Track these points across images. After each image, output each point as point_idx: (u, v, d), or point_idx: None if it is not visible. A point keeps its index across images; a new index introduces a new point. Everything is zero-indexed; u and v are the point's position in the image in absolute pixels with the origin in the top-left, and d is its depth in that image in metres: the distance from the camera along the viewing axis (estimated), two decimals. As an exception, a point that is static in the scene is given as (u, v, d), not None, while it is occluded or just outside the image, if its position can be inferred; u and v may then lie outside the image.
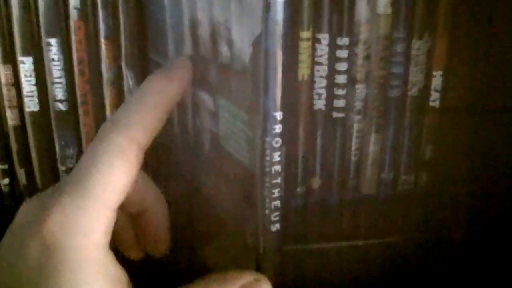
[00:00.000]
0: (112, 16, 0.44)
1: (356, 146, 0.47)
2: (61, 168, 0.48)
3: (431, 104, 0.47)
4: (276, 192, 0.38)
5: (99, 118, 0.47)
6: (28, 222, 0.34)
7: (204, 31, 0.39)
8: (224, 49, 0.37)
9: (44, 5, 0.44)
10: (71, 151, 0.48)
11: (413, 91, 0.46)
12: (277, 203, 0.39)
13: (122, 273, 0.36)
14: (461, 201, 0.50)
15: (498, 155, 0.49)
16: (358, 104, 0.46)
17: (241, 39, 0.35)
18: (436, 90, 0.47)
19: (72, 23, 0.44)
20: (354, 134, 0.47)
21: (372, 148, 0.48)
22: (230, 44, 0.36)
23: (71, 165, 0.48)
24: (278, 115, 0.36)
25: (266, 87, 0.35)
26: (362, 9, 0.43)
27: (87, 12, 0.44)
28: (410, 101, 0.47)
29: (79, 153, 0.48)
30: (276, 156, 0.38)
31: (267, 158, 0.37)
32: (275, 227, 0.40)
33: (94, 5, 0.44)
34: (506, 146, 0.48)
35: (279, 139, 0.37)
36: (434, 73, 0.46)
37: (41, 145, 0.48)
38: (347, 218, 0.48)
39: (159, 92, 0.37)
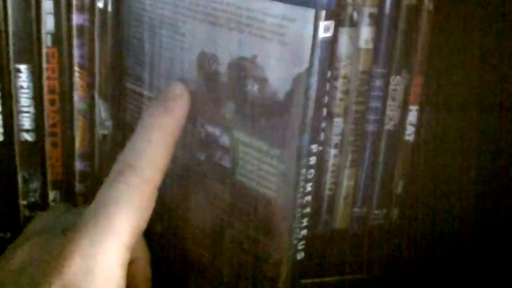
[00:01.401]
0: (88, 43, 0.43)
1: (331, 180, 0.47)
2: (22, 202, 0.46)
3: (406, 138, 0.48)
4: (305, 221, 0.38)
5: (68, 150, 0.45)
6: (45, 261, 0.33)
7: (219, 66, 0.39)
8: (250, 85, 0.36)
9: (15, 29, 0.42)
10: (34, 184, 0.46)
11: (389, 126, 0.47)
12: (305, 232, 0.39)
13: None
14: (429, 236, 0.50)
15: (472, 190, 0.50)
16: (335, 138, 0.46)
17: (277, 76, 0.35)
18: (411, 124, 0.48)
19: (44, 49, 0.43)
20: (330, 168, 0.47)
21: (346, 183, 0.48)
22: (260, 80, 0.36)
23: (33, 200, 0.46)
24: (314, 147, 0.36)
25: (304, 122, 0.35)
26: (344, 43, 0.44)
27: (62, 38, 0.43)
28: (386, 136, 0.47)
29: (43, 186, 0.46)
30: (309, 187, 0.38)
31: (301, 190, 0.37)
32: (300, 255, 0.40)
33: (70, 31, 0.43)
34: (480, 181, 0.50)
35: (312, 171, 0.37)
36: (411, 107, 0.47)
37: (1, 177, 0.46)
38: (317, 253, 0.48)
39: (162, 128, 0.37)
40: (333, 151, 0.46)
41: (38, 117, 0.44)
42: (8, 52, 0.42)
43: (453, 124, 0.49)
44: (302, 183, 0.37)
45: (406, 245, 0.50)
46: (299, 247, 0.40)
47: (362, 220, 0.49)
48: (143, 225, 0.35)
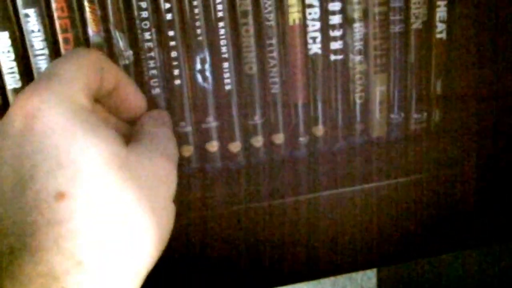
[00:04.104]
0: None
1: (360, 88, 0.46)
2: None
3: (437, 36, 0.46)
4: None
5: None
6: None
7: None
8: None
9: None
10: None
11: (416, 25, 0.45)
12: None
13: (113, 132, 0.36)
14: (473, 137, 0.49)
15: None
16: (357, 44, 0.45)
17: None
18: (441, 21, 0.45)
19: (50, -11, 0.44)
20: (357, 76, 0.46)
21: (377, 88, 0.46)
22: None
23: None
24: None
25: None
26: None
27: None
28: (414, 36, 0.45)
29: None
30: None
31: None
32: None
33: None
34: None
35: None
36: (438, 3, 0.45)
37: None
38: (357, 163, 0.48)
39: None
40: (357, 58, 0.45)
41: (54, 58, 0.45)
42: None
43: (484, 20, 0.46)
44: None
45: (451, 147, 0.48)
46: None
47: (401, 126, 0.48)
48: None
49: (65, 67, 0.36)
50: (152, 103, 0.45)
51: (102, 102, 0.40)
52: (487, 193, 0.48)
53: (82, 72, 0.36)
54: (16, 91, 0.44)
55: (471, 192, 0.47)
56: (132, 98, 0.42)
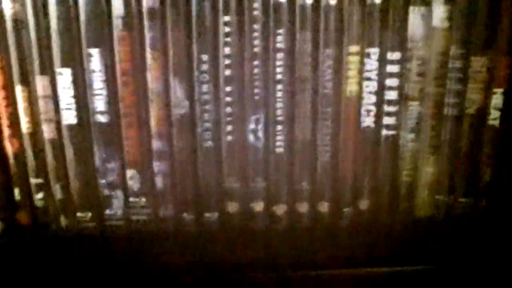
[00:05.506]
0: (160, 25, 0.44)
1: (408, 166, 0.46)
2: (101, 182, 0.49)
3: (490, 123, 0.46)
4: None
5: (143, 130, 0.47)
6: None
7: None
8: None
9: (87, 15, 0.44)
10: (112, 164, 0.48)
11: (471, 109, 0.45)
12: None
13: None
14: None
15: None
16: (410, 122, 0.45)
17: None
18: (496, 108, 0.45)
19: (116, 33, 0.45)
20: (407, 154, 0.46)
21: (426, 169, 0.47)
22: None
23: (111, 179, 0.48)
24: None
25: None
26: (416, 23, 0.42)
27: (132, 22, 0.45)
28: (468, 120, 0.45)
29: (121, 166, 0.48)
30: None
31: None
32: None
33: (140, 14, 0.44)
34: None
35: None
36: (495, 90, 0.45)
37: (79, 158, 0.48)
38: (397, 241, 0.47)
39: None
40: (409, 136, 0.45)
41: (112, 99, 0.46)
42: (79, 38, 0.45)
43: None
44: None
45: (494, 235, 0.48)
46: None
47: (446, 209, 0.48)
48: None
49: None
50: (203, 157, 0.46)
51: None
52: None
53: None
54: (70, 127, 0.45)
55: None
56: None
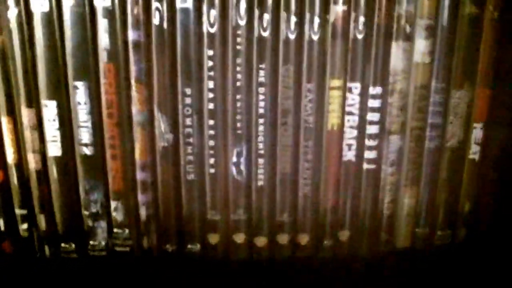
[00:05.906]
0: (145, 58, 0.45)
1: (389, 199, 0.47)
2: (85, 213, 0.49)
3: (470, 156, 0.47)
4: None
5: (127, 162, 0.47)
6: None
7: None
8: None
9: (72, 47, 0.45)
10: (96, 195, 0.48)
11: (451, 143, 0.46)
12: None
13: None
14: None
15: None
16: (391, 156, 0.46)
17: None
18: (476, 143, 0.46)
19: (101, 65, 0.45)
20: (387, 187, 0.46)
21: (406, 201, 0.47)
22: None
23: (95, 210, 0.49)
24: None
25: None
26: (397, 58, 0.43)
27: (118, 54, 0.45)
28: (448, 154, 0.46)
29: (105, 197, 0.48)
30: None
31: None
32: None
33: (125, 47, 0.45)
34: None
35: None
36: (475, 124, 0.46)
37: (63, 190, 0.48)
38: (378, 272, 0.48)
39: None
40: (389, 169, 0.46)
41: (96, 131, 0.46)
42: (65, 70, 0.45)
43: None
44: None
45: (473, 267, 0.48)
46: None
47: (425, 240, 0.49)
48: None
49: None
50: (186, 189, 0.46)
51: None
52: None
53: None
54: (55, 158, 0.46)
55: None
56: None
